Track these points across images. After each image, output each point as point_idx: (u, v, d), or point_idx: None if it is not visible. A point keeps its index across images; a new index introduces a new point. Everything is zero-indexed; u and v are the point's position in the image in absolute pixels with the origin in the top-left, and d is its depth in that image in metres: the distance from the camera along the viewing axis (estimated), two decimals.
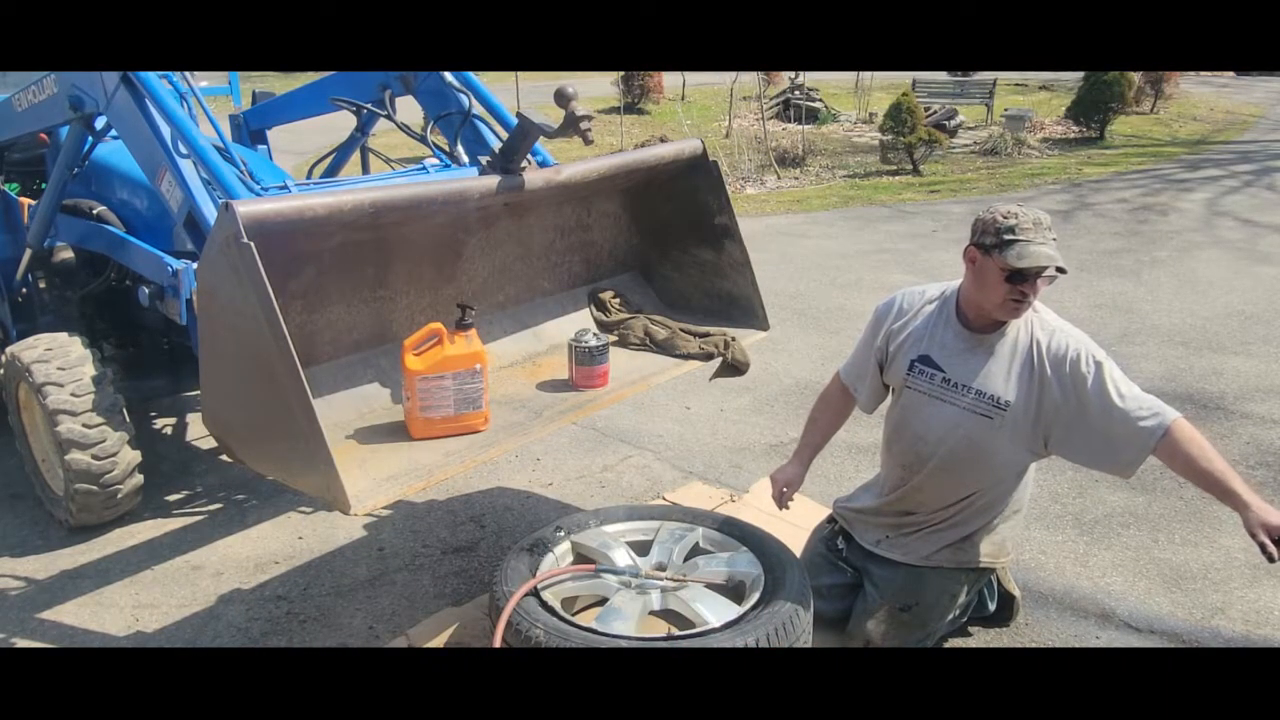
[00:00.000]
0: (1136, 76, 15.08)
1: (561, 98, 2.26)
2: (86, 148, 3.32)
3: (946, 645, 2.67)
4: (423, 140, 3.10)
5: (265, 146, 4.16)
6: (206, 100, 2.91)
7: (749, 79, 14.66)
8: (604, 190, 2.80)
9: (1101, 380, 2.28)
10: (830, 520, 2.78)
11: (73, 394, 3.09)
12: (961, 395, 2.40)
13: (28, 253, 3.60)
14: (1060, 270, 2.24)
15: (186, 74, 2.83)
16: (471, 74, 3.06)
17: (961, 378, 2.40)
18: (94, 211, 3.51)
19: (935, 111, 14.21)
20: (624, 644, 2.08)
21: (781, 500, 2.64)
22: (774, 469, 2.73)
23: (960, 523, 2.51)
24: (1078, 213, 8.88)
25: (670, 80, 18.18)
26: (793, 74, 17.20)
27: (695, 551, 2.63)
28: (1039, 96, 19.24)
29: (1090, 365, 2.29)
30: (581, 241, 2.90)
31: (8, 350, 3.36)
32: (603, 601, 2.36)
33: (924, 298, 2.52)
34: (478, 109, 2.99)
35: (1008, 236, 2.23)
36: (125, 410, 3.21)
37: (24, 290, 3.80)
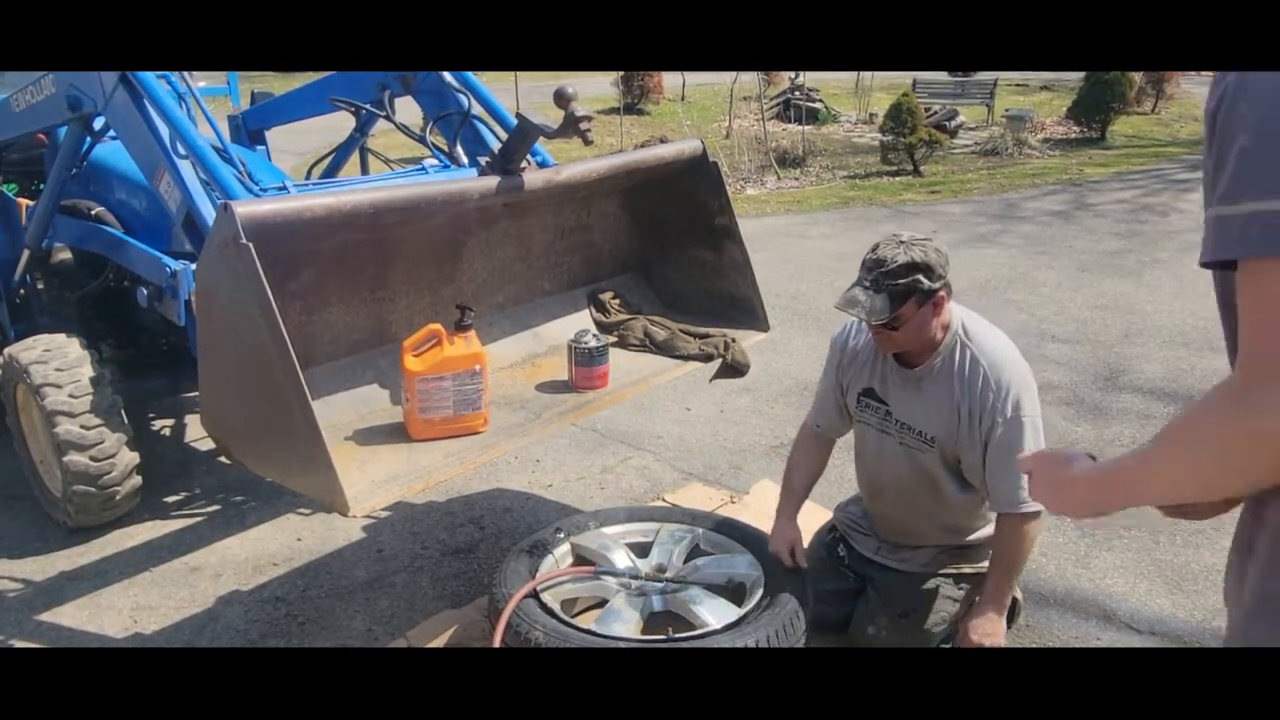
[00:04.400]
0: (1137, 77, 15.07)
1: (561, 98, 2.26)
2: (85, 148, 3.31)
3: (947, 646, 2.67)
4: (422, 141, 3.10)
5: (264, 147, 4.16)
6: (205, 101, 2.91)
7: (749, 79, 14.65)
8: (604, 191, 2.80)
9: (1006, 439, 2.22)
10: (831, 528, 2.78)
11: (71, 395, 3.08)
12: (899, 429, 2.41)
13: (26, 253, 3.59)
14: (871, 321, 2.22)
15: (185, 74, 2.82)
16: (471, 74, 3.06)
17: (898, 412, 2.40)
18: (92, 212, 3.50)
19: (936, 112, 14.20)
20: (623, 646, 2.07)
21: (794, 560, 2.48)
22: (777, 518, 2.56)
23: (953, 535, 2.50)
24: (1078, 213, 8.88)
25: (670, 80, 18.18)
26: (793, 74, 17.20)
27: (695, 553, 2.62)
28: (1040, 97, 19.24)
29: (1001, 417, 2.23)
30: (581, 242, 2.89)
31: (6, 351, 3.35)
32: (602, 603, 2.36)
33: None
34: (477, 109, 2.98)
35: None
36: (123, 411, 3.20)
37: (22, 291, 3.79)
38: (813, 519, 2.97)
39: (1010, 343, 2.34)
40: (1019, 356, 2.31)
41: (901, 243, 2.22)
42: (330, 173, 3.90)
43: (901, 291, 2.18)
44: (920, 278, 2.18)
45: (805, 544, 2.80)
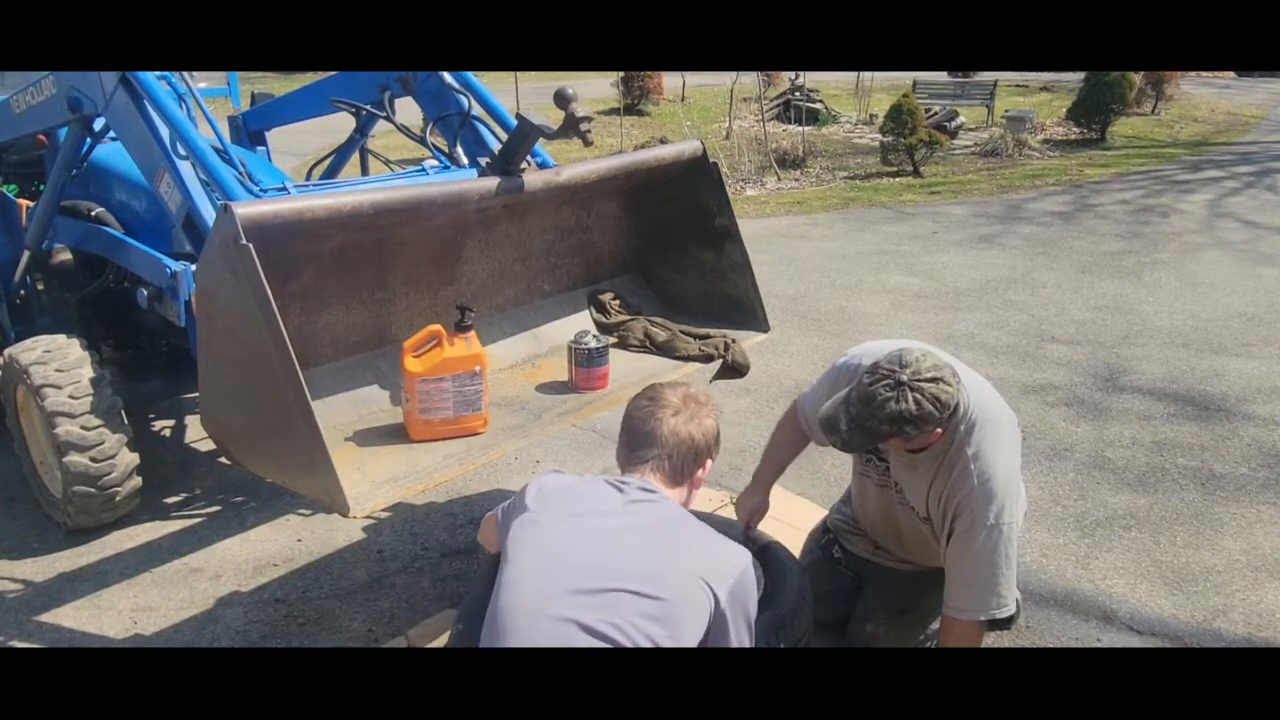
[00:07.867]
0: (1137, 77, 15.07)
1: (561, 99, 2.26)
2: (85, 149, 3.31)
3: None
4: (422, 142, 3.10)
5: (264, 148, 4.16)
6: (205, 102, 2.90)
7: (749, 80, 14.66)
8: (604, 192, 2.80)
9: (979, 544, 2.14)
10: (825, 529, 2.77)
11: (71, 396, 3.08)
12: (896, 490, 2.37)
13: (26, 254, 3.59)
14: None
15: (185, 75, 2.82)
16: (471, 75, 3.06)
17: (897, 476, 2.36)
18: (92, 213, 3.50)
19: (936, 113, 14.20)
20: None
21: (750, 527, 2.49)
22: (740, 494, 2.59)
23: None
24: (1079, 214, 8.88)
25: (670, 81, 18.19)
26: (793, 75, 17.20)
27: None
28: (1040, 98, 19.24)
29: (965, 527, 2.15)
30: (581, 243, 2.89)
31: (6, 352, 3.34)
32: None
33: None
34: (477, 110, 2.98)
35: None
36: (123, 412, 3.19)
37: (22, 292, 3.79)
38: (808, 518, 2.97)
39: (1012, 439, 2.20)
40: (1015, 459, 2.19)
41: (899, 384, 1.95)
42: (330, 174, 3.90)
43: (884, 435, 2.03)
44: (907, 429, 1.98)
45: (800, 545, 2.81)
